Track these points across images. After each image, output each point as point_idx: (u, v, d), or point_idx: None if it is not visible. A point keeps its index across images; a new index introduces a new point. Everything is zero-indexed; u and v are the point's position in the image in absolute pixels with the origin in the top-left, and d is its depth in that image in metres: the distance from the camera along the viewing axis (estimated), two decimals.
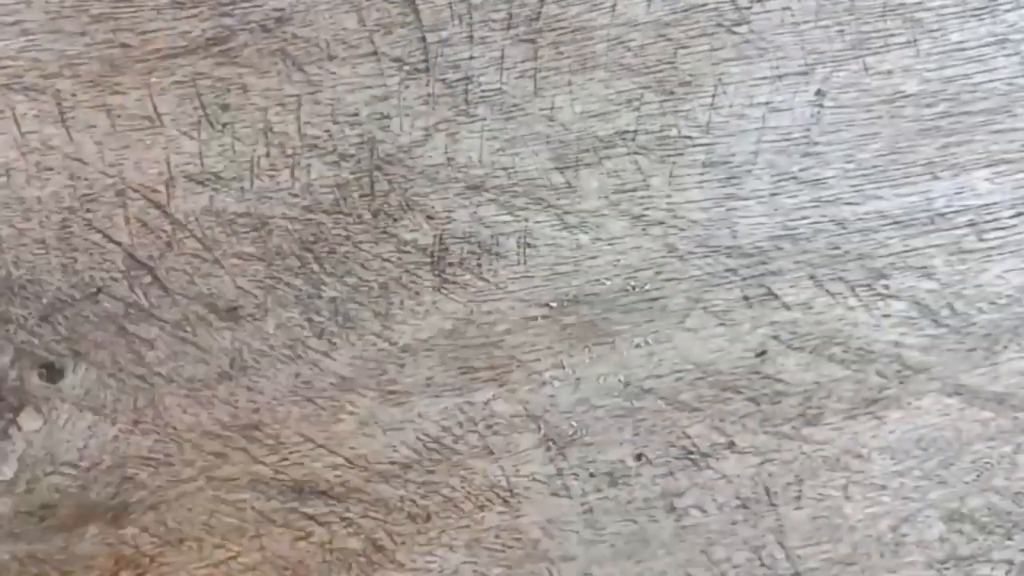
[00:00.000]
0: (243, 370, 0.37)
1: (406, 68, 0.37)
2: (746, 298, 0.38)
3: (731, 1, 0.37)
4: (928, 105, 0.37)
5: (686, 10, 0.37)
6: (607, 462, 0.38)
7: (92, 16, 0.36)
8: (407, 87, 0.37)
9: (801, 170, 0.37)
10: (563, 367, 0.38)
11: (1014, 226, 0.38)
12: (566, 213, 0.37)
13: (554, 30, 0.37)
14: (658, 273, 0.38)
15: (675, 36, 0.37)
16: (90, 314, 0.37)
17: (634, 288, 0.38)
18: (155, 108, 0.37)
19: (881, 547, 0.39)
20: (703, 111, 0.37)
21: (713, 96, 0.37)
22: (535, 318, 0.38)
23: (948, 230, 0.38)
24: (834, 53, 0.37)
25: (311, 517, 0.38)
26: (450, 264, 0.37)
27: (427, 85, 0.37)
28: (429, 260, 0.37)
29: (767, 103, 0.37)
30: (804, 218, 0.37)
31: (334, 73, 0.37)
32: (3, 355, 0.37)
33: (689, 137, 0.37)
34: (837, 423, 0.38)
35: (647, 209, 0.37)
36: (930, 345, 0.38)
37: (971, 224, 0.38)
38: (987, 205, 0.37)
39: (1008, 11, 0.37)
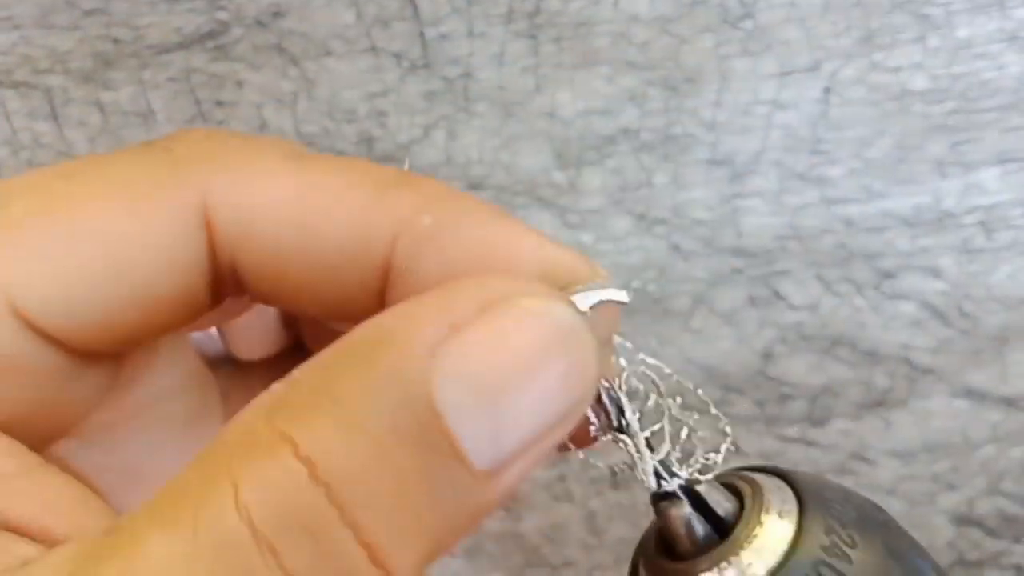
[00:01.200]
0: None
1: (404, 64, 0.36)
2: (752, 298, 0.37)
3: None
4: (936, 102, 0.36)
5: (690, 4, 0.36)
6: (609, 466, 0.38)
7: (84, 11, 0.36)
8: (405, 83, 0.36)
9: (808, 168, 0.37)
10: None
11: (1023, 225, 0.37)
12: (568, 212, 0.37)
13: (555, 25, 0.36)
14: (662, 273, 0.37)
15: (678, 31, 0.36)
16: None
17: (637, 288, 0.37)
18: (148, 104, 0.36)
19: None
20: (708, 108, 0.36)
21: (718, 93, 0.36)
22: None
23: (957, 229, 0.37)
24: (841, 49, 0.36)
25: None
26: None
27: (426, 81, 0.36)
28: None
29: (773, 100, 0.36)
30: (811, 217, 0.37)
31: (331, 69, 0.36)
32: None
33: (693, 134, 0.37)
34: (844, 425, 0.38)
35: (650, 208, 0.37)
36: (938, 346, 0.38)
37: (980, 223, 0.37)
38: (996, 204, 0.37)
39: (1017, 7, 0.36)
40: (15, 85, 0.36)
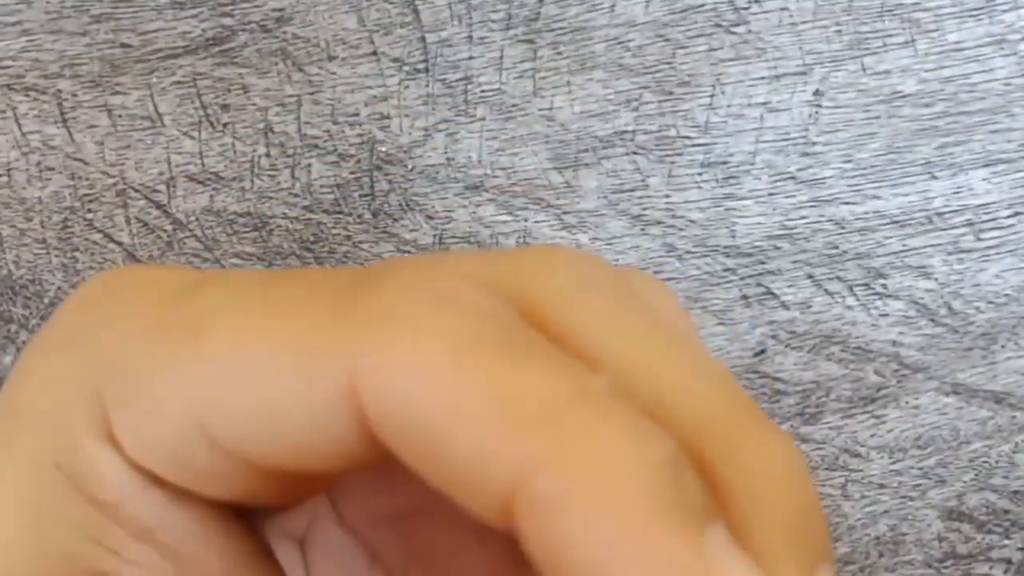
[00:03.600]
0: None
1: (406, 68, 0.37)
2: (745, 297, 0.38)
3: (729, 2, 0.37)
4: (926, 105, 0.37)
5: (684, 11, 0.37)
6: None
7: (93, 16, 0.37)
8: (407, 87, 0.37)
9: (799, 170, 0.37)
10: None
11: (1012, 226, 0.38)
12: (565, 213, 0.37)
13: (553, 30, 0.37)
14: (657, 273, 0.38)
15: (673, 36, 0.37)
16: None
17: None
18: (156, 108, 0.37)
19: (880, 546, 0.39)
20: (701, 111, 0.37)
21: (711, 96, 0.37)
22: None
23: (946, 230, 0.38)
24: (832, 53, 0.37)
25: None
26: None
27: (427, 85, 0.37)
28: None
29: (765, 103, 0.37)
30: (802, 218, 0.38)
31: (334, 73, 0.37)
32: (5, 355, 0.37)
33: (687, 137, 0.37)
34: (835, 422, 0.38)
35: (646, 209, 0.37)
36: (928, 344, 0.38)
37: (969, 224, 0.38)
38: (985, 205, 0.38)
39: (1006, 11, 0.37)
40: (25, 89, 0.37)
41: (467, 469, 0.14)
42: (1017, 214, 0.38)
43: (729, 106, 0.37)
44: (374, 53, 0.37)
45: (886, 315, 0.38)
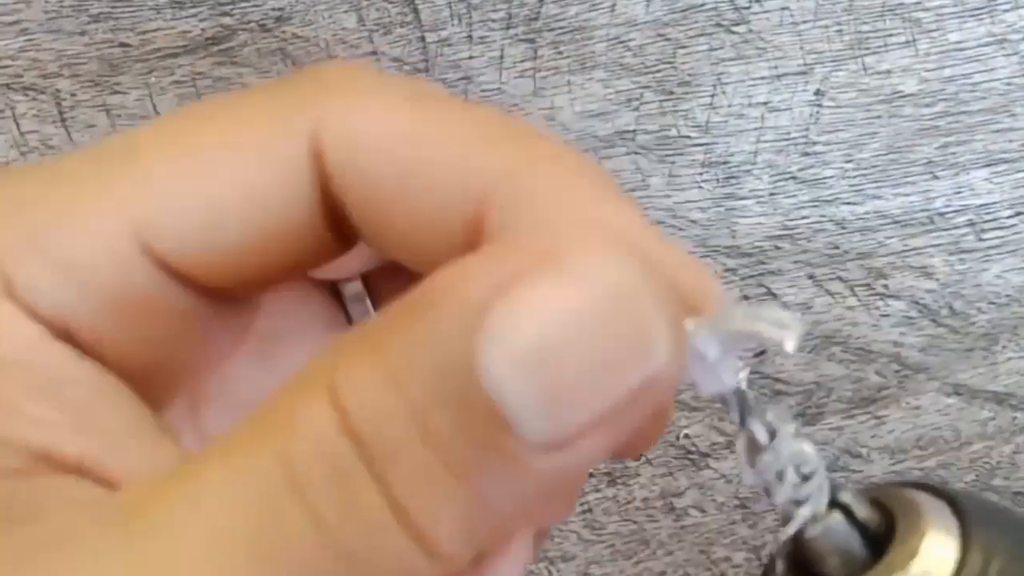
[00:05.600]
0: None
1: (406, 68, 0.37)
2: (745, 297, 0.38)
3: (730, 1, 0.37)
4: (927, 105, 0.37)
5: (685, 10, 0.37)
6: (605, 462, 0.38)
7: (91, 16, 0.37)
8: None
9: (800, 170, 0.37)
10: None
11: (1013, 225, 0.38)
12: None
13: (553, 30, 0.37)
14: None
15: (674, 36, 0.37)
16: None
17: None
18: (155, 108, 0.37)
19: None
20: (702, 111, 0.37)
21: (712, 96, 0.37)
22: None
23: (947, 230, 0.38)
24: (833, 53, 0.37)
25: None
26: None
27: None
28: None
29: (766, 103, 0.37)
30: (803, 218, 0.38)
31: None
32: None
33: (688, 137, 0.37)
34: (836, 423, 0.38)
35: (646, 209, 0.37)
36: (929, 344, 0.38)
37: (970, 224, 0.38)
38: (986, 205, 0.38)
39: (1007, 11, 0.37)
40: (24, 89, 0.37)
41: (437, 190, 0.15)
42: (1019, 214, 0.38)
43: (730, 106, 0.37)
44: (374, 52, 0.37)
45: (887, 315, 0.38)
